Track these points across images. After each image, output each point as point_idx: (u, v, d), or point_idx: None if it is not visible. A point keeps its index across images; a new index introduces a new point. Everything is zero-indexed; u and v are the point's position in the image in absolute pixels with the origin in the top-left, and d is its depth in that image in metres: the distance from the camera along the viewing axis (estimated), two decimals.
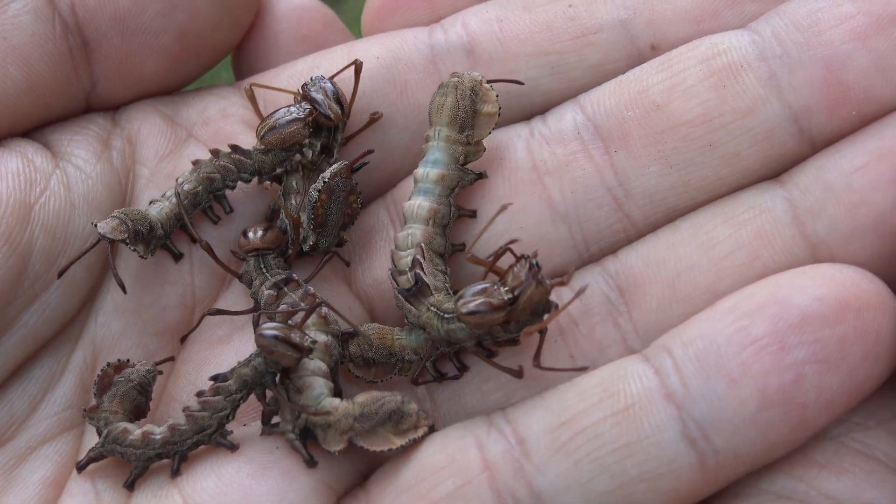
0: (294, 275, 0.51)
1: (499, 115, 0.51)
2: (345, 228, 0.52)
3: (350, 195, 0.51)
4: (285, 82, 0.55)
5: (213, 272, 0.53)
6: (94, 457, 0.49)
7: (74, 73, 0.52)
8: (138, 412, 0.50)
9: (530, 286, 0.46)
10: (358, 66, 0.53)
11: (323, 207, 0.51)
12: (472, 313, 0.46)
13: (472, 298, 0.46)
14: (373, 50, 0.54)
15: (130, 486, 0.48)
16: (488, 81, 0.51)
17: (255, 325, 0.49)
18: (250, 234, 0.52)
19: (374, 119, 0.53)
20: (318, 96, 0.52)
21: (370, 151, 0.52)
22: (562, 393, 0.46)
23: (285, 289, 0.50)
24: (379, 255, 0.53)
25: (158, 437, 0.48)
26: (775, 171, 0.49)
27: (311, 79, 0.53)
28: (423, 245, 0.50)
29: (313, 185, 0.51)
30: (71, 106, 0.54)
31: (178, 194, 0.52)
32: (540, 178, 0.50)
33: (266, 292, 0.51)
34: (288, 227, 0.52)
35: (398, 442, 0.47)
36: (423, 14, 0.56)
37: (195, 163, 0.53)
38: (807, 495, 0.44)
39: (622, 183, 0.50)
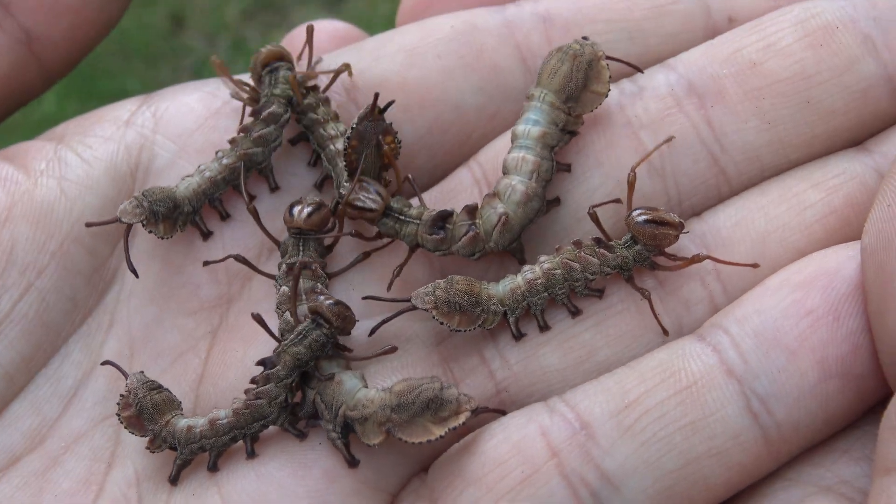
0: (315, 265, 0.50)
1: (606, 96, 0.50)
2: (386, 170, 0.51)
3: (385, 135, 0.50)
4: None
5: (245, 248, 0.52)
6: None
7: None
8: (174, 402, 0.49)
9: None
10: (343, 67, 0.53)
11: (355, 153, 0.49)
12: (648, 223, 0.47)
13: (647, 212, 0.47)
14: (446, 21, 0.54)
15: (175, 480, 0.48)
16: (607, 58, 0.50)
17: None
18: (295, 211, 0.50)
19: (340, 72, 0.52)
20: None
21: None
22: (621, 376, 0.46)
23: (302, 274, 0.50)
24: None
25: (225, 421, 0.47)
26: (867, 132, 0.49)
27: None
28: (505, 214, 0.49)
29: (345, 134, 0.50)
30: (17, 74, 0.52)
31: (241, 161, 0.51)
32: (635, 133, 0.50)
33: (283, 268, 0.50)
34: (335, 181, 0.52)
35: (437, 432, 0.46)
36: (458, 8, 0.55)
37: (232, 141, 0.52)
38: (822, 479, 0.44)
39: (719, 138, 0.50)
